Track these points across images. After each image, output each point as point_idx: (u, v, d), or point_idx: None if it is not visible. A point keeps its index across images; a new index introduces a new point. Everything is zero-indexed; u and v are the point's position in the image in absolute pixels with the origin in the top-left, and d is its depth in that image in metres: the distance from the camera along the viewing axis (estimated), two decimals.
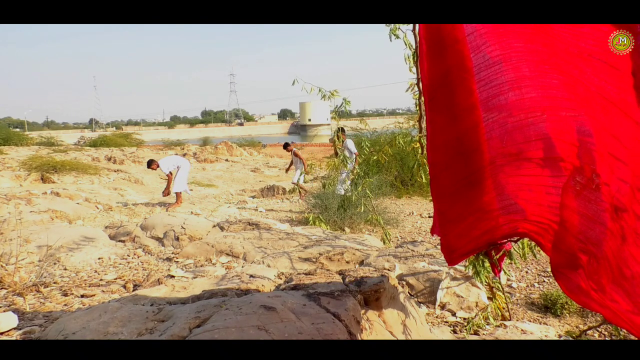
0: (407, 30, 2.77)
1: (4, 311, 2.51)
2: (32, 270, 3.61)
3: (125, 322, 1.92)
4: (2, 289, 3.05)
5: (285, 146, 9.55)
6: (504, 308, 2.91)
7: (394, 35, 2.79)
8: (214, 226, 5.29)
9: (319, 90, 3.81)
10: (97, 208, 7.75)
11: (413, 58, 2.68)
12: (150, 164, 8.14)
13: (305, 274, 2.76)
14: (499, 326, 2.73)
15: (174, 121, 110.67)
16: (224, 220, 5.57)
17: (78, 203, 7.93)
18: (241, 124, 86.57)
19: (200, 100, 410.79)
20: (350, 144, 7.62)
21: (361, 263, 3.57)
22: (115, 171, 13.79)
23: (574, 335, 2.69)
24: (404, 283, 3.24)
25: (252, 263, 3.80)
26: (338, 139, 7.00)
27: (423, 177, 3.03)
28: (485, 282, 2.72)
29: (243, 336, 1.59)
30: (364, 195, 4.44)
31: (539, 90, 1.20)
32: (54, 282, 3.38)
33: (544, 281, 3.75)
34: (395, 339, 2.15)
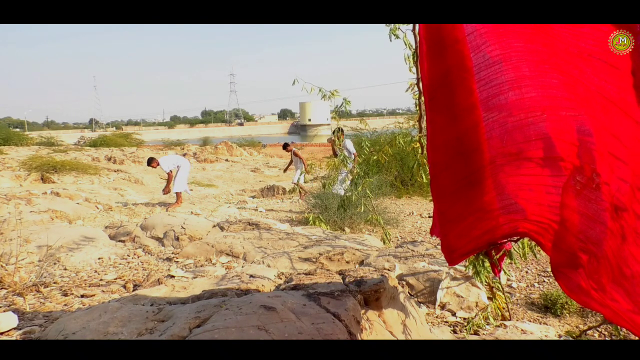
0: (407, 30, 2.77)
1: (4, 311, 2.51)
2: (32, 270, 3.61)
3: (125, 322, 1.92)
4: (2, 289, 3.05)
5: (285, 146, 9.55)
6: (504, 308, 2.91)
7: (394, 35, 2.79)
8: (214, 226, 5.29)
9: (319, 90, 3.81)
10: (97, 208, 7.75)
11: (413, 58, 2.68)
12: (151, 161, 8.14)
13: (305, 274, 2.76)
14: (499, 326, 2.73)
15: (174, 121, 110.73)
16: (224, 220, 5.57)
17: (78, 203, 7.93)
18: (241, 124, 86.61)
19: (200, 100, 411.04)
20: (349, 144, 7.62)
21: (361, 263, 3.57)
22: (115, 171, 13.79)
23: (574, 335, 2.69)
24: (404, 283, 3.23)
25: (252, 263, 3.80)
26: (338, 139, 7.01)
27: (423, 177, 3.02)
28: (485, 282, 2.72)
29: (243, 336, 1.59)
30: (364, 195, 4.44)
31: (539, 90, 1.20)
32: (54, 282, 3.38)
33: (544, 281, 3.75)
34: (395, 339, 2.15)
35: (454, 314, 2.98)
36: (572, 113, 1.18)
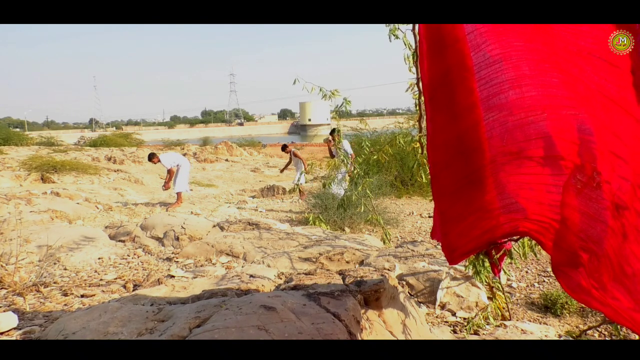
0: (406, 30, 2.77)
1: (4, 311, 2.51)
2: (32, 270, 3.61)
3: (125, 322, 1.91)
4: (2, 289, 3.05)
5: (284, 148, 9.55)
6: (504, 308, 2.90)
7: (394, 35, 2.79)
8: (214, 226, 5.29)
9: (320, 90, 3.81)
10: (97, 208, 7.75)
11: (413, 58, 2.68)
12: (152, 157, 8.15)
13: (305, 274, 2.76)
14: (499, 326, 2.72)
15: (174, 121, 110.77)
16: (224, 220, 5.57)
17: (78, 203, 7.93)
18: (241, 124, 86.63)
19: (200, 100, 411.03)
20: (346, 145, 7.61)
21: (361, 263, 3.56)
22: (115, 171, 13.79)
23: (574, 335, 2.69)
24: (404, 283, 3.23)
25: (252, 263, 3.80)
26: (334, 140, 7.01)
27: (423, 176, 3.02)
28: (485, 282, 2.72)
29: (243, 336, 1.59)
30: (364, 195, 4.44)
31: (539, 89, 1.20)
32: (54, 282, 3.38)
33: (544, 281, 3.75)
34: (395, 339, 2.14)
35: (454, 314, 2.98)
36: (572, 112, 1.18)
